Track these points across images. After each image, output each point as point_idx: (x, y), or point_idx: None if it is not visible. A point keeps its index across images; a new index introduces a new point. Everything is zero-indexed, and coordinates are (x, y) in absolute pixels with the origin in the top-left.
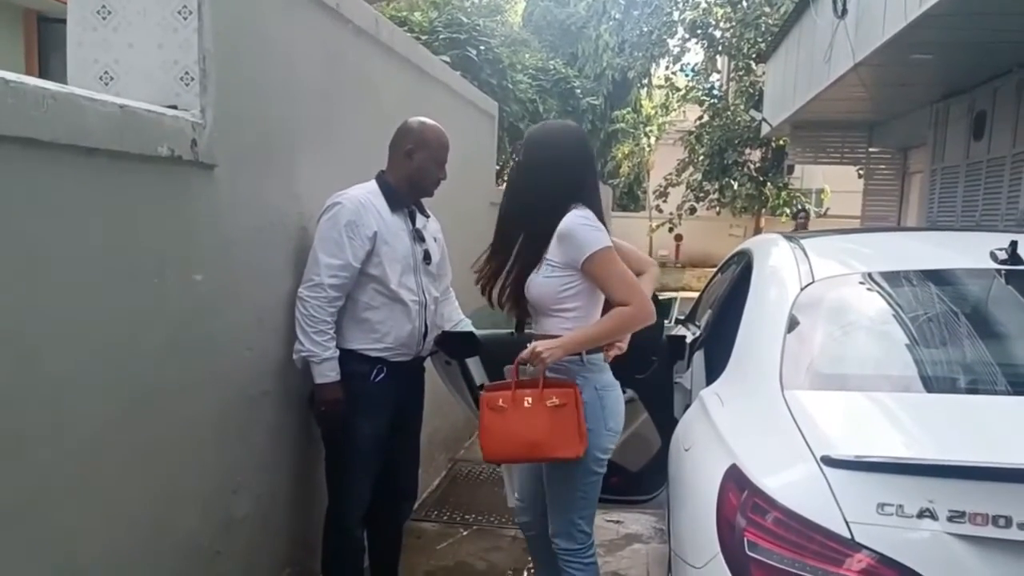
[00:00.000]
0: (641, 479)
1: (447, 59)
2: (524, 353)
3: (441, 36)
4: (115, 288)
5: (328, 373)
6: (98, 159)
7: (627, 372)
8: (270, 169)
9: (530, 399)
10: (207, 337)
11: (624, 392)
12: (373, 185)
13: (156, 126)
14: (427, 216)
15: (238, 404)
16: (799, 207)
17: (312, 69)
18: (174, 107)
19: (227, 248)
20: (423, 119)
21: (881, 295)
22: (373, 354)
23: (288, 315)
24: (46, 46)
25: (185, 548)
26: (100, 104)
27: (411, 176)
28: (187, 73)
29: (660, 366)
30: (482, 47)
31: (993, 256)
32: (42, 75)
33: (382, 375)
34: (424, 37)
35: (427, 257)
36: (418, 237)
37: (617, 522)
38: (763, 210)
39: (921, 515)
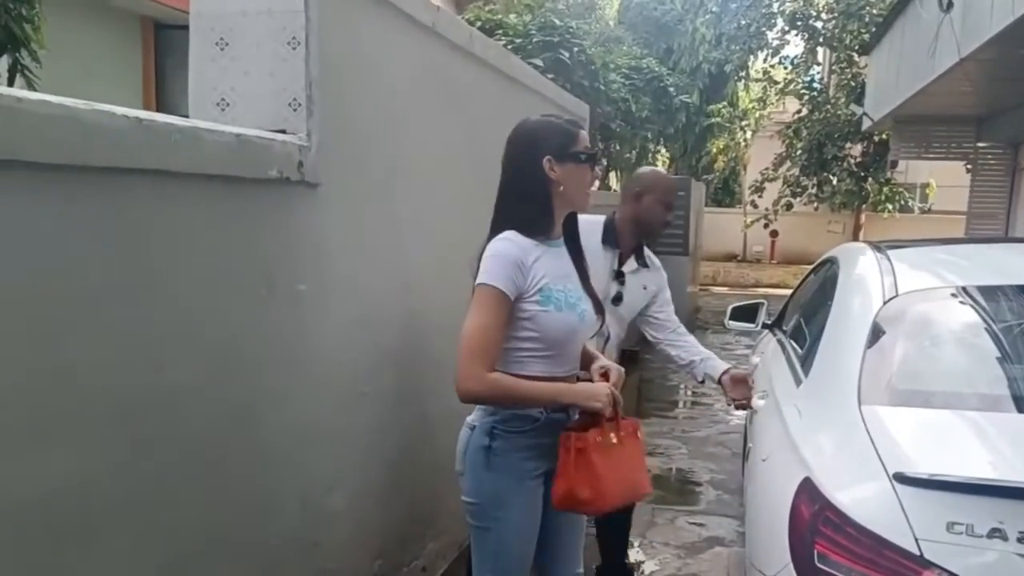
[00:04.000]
0: None
1: (540, 62)
2: (614, 377)
3: (535, 39)
4: (228, 301)
5: None
6: (216, 184)
7: None
8: (370, 183)
9: (614, 435)
10: (308, 343)
11: None
12: (600, 219)
13: (267, 151)
14: (646, 266)
15: (337, 406)
16: None
17: (409, 86)
18: (283, 131)
19: (328, 259)
20: (655, 168)
21: (964, 310)
22: None
23: (382, 321)
24: (162, 51)
25: (287, 539)
26: (218, 135)
27: (637, 216)
28: (295, 99)
29: None
30: (575, 49)
31: None
32: (158, 78)
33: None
34: (518, 40)
35: (618, 298)
36: (617, 277)
37: (700, 525)
38: (863, 206)
39: (991, 535)
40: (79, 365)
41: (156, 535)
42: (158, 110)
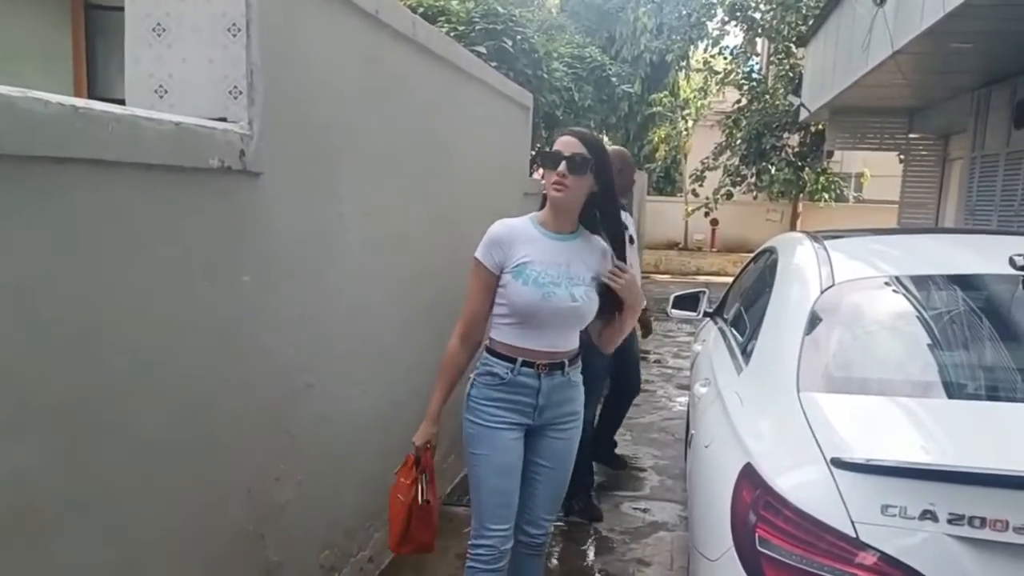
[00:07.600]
0: None
1: (483, 50)
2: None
3: (478, 27)
4: (169, 293)
5: None
6: (156, 173)
7: None
8: (313, 172)
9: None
10: (254, 335)
11: None
12: None
13: (208, 140)
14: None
15: (283, 397)
16: None
17: (352, 74)
18: (223, 119)
19: (273, 250)
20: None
21: (898, 299)
22: None
23: (328, 311)
24: (92, 31)
25: (233, 532)
26: (158, 123)
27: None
28: (236, 87)
29: None
30: (518, 37)
31: (1012, 262)
32: (89, 61)
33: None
34: (461, 28)
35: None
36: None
37: (644, 510)
38: (801, 195)
39: (923, 517)
40: (13, 358)
41: (101, 533)
42: (90, 94)
